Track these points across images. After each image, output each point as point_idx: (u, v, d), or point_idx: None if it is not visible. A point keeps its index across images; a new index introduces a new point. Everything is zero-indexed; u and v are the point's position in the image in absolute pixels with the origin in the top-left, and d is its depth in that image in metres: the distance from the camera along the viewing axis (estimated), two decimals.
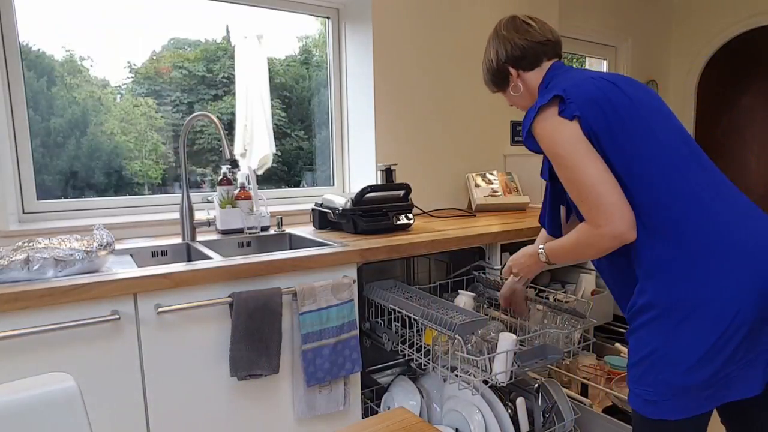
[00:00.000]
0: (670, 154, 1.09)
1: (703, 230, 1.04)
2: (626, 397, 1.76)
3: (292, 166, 2.60)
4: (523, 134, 1.22)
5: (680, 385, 1.03)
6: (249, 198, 1.95)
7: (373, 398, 1.98)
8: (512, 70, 1.31)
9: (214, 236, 1.90)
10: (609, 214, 1.07)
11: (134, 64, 2.17)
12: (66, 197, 1.99)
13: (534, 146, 1.20)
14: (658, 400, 1.06)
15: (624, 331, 2.23)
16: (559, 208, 1.35)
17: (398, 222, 1.94)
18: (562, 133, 1.11)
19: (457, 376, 1.49)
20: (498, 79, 1.36)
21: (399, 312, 1.62)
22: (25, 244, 1.32)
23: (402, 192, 1.99)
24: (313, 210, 2.06)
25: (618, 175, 1.09)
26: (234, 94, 2.30)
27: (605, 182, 1.07)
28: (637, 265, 1.12)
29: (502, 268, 1.60)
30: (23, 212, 1.87)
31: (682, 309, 1.03)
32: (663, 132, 1.11)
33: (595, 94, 1.11)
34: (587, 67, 3.90)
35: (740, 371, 1.04)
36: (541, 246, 1.34)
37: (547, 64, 1.30)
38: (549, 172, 1.26)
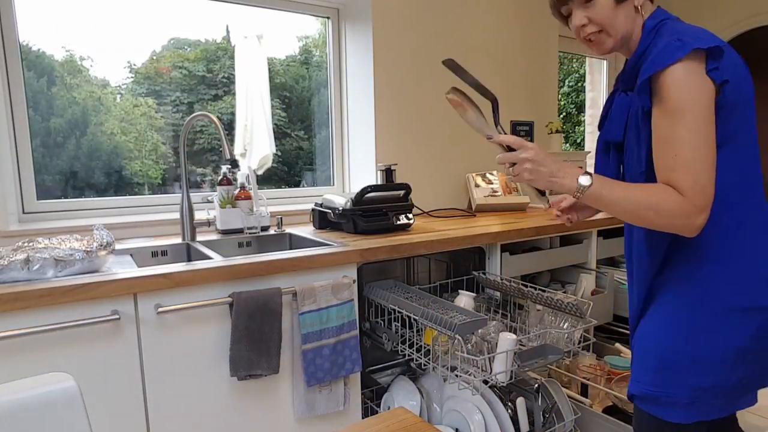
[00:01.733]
0: (755, 158, 1.03)
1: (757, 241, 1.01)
2: (626, 397, 1.77)
3: (292, 166, 2.61)
4: (640, 80, 0.99)
5: (706, 388, 1.02)
6: (249, 198, 1.95)
7: (373, 398, 1.98)
8: None
9: (214, 236, 1.90)
10: (708, 197, 0.95)
11: (134, 64, 2.17)
12: (66, 197, 1.99)
13: (646, 99, 1.00)
14: (679, 403, 1.04)
15: (624, 331, 2.23)
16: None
17: (398, 222, 1.94)
18: (699, 87, 0.94)
19: (457, 376, 1.49)
20: None
21: (399, 312, 1.62)
22: (25, 244, 1.32)
23: (402, 192, 1.99)
24: (313, 210, 2.06)
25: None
26: (234, 94, 2.30)
27: (712, 158, 0.95)
28: (690, 250, 1.04)
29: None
30: (23, 212, 1.87)
31: (716, 310, 1.01)
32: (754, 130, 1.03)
33: (740, 62, 0.98)
34: (587, 66, 3.90)
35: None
36: (590, 173, 1.03)
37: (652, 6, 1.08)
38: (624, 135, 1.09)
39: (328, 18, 2.50)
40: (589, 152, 3.04)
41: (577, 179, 1.02)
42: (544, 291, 1.69)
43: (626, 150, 1.15)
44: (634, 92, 1.05)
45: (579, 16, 1.08)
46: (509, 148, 1.11)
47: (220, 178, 1.96)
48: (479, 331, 1.54)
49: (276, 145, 2.32)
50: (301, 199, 2.46)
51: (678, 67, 0.94)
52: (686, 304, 1.05)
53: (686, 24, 1.02)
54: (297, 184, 2.61)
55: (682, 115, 0.94)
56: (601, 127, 1.23)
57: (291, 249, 1.92)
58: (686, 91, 0.94)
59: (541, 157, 1.06)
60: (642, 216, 0.99)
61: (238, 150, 2.29)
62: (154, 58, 2.23)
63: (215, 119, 1.74)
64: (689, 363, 1.02)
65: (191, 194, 1.84)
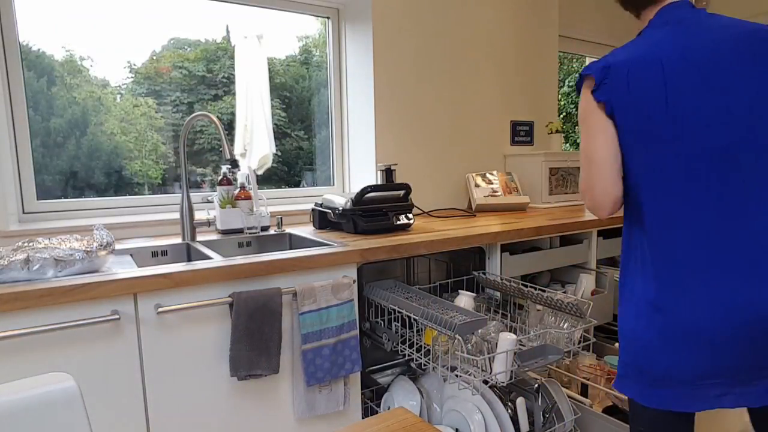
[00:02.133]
0: (687, 163, 1.04)
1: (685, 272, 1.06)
2: (626, 397, 1.77)
3: (292, 166, 2.60)
4: (577, 85, 1.21)
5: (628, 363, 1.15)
6: (249, 198, 1.95)
7: (373, 398, 1.98)
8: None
9: (214, 236, 1.90)
10: (584, 180, 1.17)
11: (134, 64, 2.17)
12: (66, 197, 1.99)
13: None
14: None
15: None
16: None
17: (398, 222, 1.94)
18: (584, 102, 1.14)
19: (457, 376, 1.49)
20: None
21: (399, 312, 1.62)
22: (25, 244, 1.32)
23: (402, 192, 1.99)
24: (313, 210, 2.06)
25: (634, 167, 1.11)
26: (234, 94, 2.30)
27: (595, 152, 1.12)
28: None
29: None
30: (23, 212, 1.87)
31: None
32: (696, 134, 1.04)
33: (634, 83, 1.07)
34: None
35: None
36: None
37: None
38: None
39: (328, 18, 2.50)
40: None
41: None
42: (544, 291, 1.69)
43: None
44: None
45: None
46: None
47: (220, 178, 1.96)
48: (479, 331, 1.54)
49: (276, 145, 2.32)
50: (301, 199, 2.46)
51: (583, 89, 1.16)
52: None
53: (638, 38, 1.17)
54: (297, 184, 2.61)
55: (580, 125, 1.17)
56: None
57: (291, 249, 1.92)
58: (580, 108, 1.16)
59: None
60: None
61: (238, 150, 2.29)
62: (154, 58, 2.23)
63: (215, 119, 1.74)
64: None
65: (191, 194, 1.84)
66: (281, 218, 2.02)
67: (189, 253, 1.81)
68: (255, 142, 2.25)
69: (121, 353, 1.27)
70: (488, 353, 1.47)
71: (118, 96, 2.17)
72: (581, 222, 2.15)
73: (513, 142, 2.93)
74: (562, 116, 6.46)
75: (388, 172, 2.25)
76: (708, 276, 1.03)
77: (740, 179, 1.03)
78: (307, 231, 1.99)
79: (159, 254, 1.77)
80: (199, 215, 1.92)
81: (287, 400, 1.53)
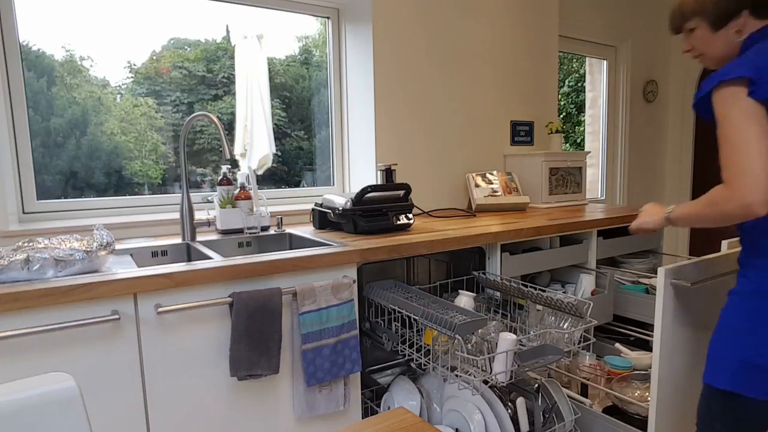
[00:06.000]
0: None
1: None
2: (626, 397, 1.77)
3: (292, 166, 2.60)
4: (697, 96, 1.14)
5: (756, 364, 1.09)
6: (249, 198, 1.95)
7: (373, 398, 1.98)
8: (744, 13, 1.17)
9: (214, 236, 1.90)
10: (749, 180, 1.04)
11: (134, 64, 2.17)
12: (66, 197, 1.99)
13: (707, 114, 1.15)
14: (731, 369, 1.12)
15: (624, 331, 2.24)
16: None
17: (398, 222, 1.94)
18: (740, 110, 1.06)
19: (457, 376, 1.49)
20: (723, 11, 1.19)
21: (399, 312, 1.62)
22: (25, 244, 1.32)
23: (402, 192, 1.99)
24: (313, 210, 2.06)
25: None
26: (234, 94, 2.30)
27: (759, 147, 1.04)
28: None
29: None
30: (23, 212, 1.87)
31: None
32: None
33: None
34: (587, 66, 3.90)
35: None
36: (671, 206, 1.29)
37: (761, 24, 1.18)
38: None
39: (328, 18, 2.50)
40: (589, 152, 3.04)
41: (664, 212, 1.33)
42: (544, 291, 1.69)
43: None
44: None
45: (685, 43, 1.29)
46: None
47: (220, 178, 1.96)
48: (479, 331, 1.54)
49: (276, 145, 2.32)
50: (301, 199, 2.46)
51: (722, 95, 1.09)
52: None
53: (759, 47, 1.13)
54: (297, 184, 2.61)
55: (722, 123, 1.09)
56: None
57: (291, 249, 1.92)
58: (723, 106, 1.08)
59: (646, 209, 1.43)
60: (706, 215, 1.15)
61: (238, 150, 2.29)
62: (154, 58, 2.23)
63: (215, 119, 1.74)
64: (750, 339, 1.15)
65: (191, 194, 1.84)
66: (281, 218, 2.02)
67: (189, 253, 1.81)
68: (255, 142, 2.25)
69: (121, 353, 1.27)
70: (488, 353, 1.47)
71: (118, 96, 2.17)
72: (581, 222, 2.15)
73: (513, 142, 2.93)
74: (562, 116, 6.46)
75: (388, 172, 2.25)
76: None
77: None
78: (307, 231, 1.99)
79: (159, 254, 1.77)
80: (199, 215, 1.92)
81: (287, 400, 1.53)
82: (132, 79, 2.18)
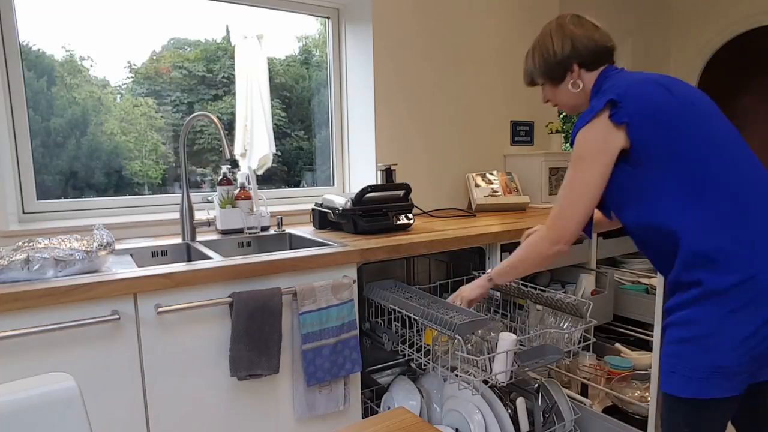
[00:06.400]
0: (725, 149, 1.13)
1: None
2: (626, 397, 1.77)
3: (292, 166, 2.60)
4: (572, 137, 1.24)
5: (724, 365, 1.06)
6: (249, 198, 1.95)
7: (373, 398, 1.98)
8: (575, 66, 1.31)
9: (214, 236, 1.90)
10: (562, 232, 1.26)
11: (134, 64, 2.17)
12: (66, 197, 1.99)
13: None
14: (694, 378, 1.08)
15: (624, 331, 2.23)
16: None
17: (398, 222, 1.94)
18: (597, 138, 1.17)
19: (457, 376, 1.49)
20: (555, 73, 1.34)
21: (399, 312, 1.62)
22: (25, 244, 1.32)
23: (402, 192, 1.99)
24: (313, 210, 2.06)
25: (675, 172, 1.12)
26: (234, 94, 2.30)
27: (583, 197, 1.21)
28: (687, 252, 1.13)
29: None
30: (23, 212, 1.87)
31: (739, 296, 1.05)
32: (716, 133, 1.15)
33: (646, 99, 1.14)
34: None
35: None
36: (490, 269, 1.48)
37: (601, 68, 1.32)
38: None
39: (328, 18, 2.50)
40: None
41: (486, 281, 1.52)
42: (544, 291, 1.69)
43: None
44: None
45: (543, 94, 1.43)
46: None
47: (220, 178, 1.96)
48: (479, 331, 1.54)
49: (276, 145, 2.32)
50: (301, 199, 2.46)
51: (590, 124, 1.19)
52: (713, 291, 1.15)
53: (613, 79, 1.25)
54: (297, 184, 2.61)
55: (577, 160, 1.22)
56: None
57: (291, 249, 1.92)
58: (583, 139, 1.20)
59: (462, 289, 1.58)
60: (525, 262, 1.37)
61: (238, 150, 2.29)
62: (154, 58, 2.23)
63: (215, 119, 1.74)
64: (710, 341, 1.12)
65: (191, 194, 1.84)
66: (281, 218, 2.02)
67: (189, 253, 1.81)
68: (255, 142, 2.25)
69: (121, 353, 1.27)
70: (488, 353, 1.47)
71: (118, 96, 2.17)
72: None
73: (513, 142, 2.93)
74: (562, 116, 6.45)
75: (388, 172, 2.25)
76: None
77: None
78: (307, 231, 1.99)
79: (159, 254, 1.77)
80: (199, 215, 1.92)
81: (287, 400, 1.53)
82: (132, 79, 2.18)
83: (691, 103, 1.16)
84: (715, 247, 1.07)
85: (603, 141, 1.17)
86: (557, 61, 1.33)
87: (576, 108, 1.37)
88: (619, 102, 1.15)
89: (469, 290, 1.55)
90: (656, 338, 1.54)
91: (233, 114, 2.31)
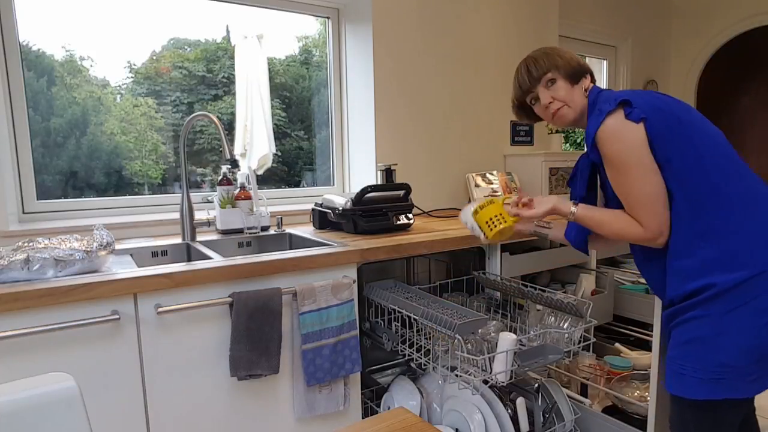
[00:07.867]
0: (728, 155, 1.17)
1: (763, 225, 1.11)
2: (625, 397, 1.77)
3: (292, 166, 2.60)
4: (588, 143, 1.24)
5: (733, 366, 1.06)
6: (249, 198, 1.95)
7: (373, 398, 1.98)
8: (588, 75, 1.37)
9: (214, 236, 1.90)
10: (655, 219, 1.17)
11: (134, 64, 2.17)
12: (66, 197, 1.99)
13: (596, 155, 1.24)
14: (705, 379, 1.09)
15: (624, 331, 2.23)
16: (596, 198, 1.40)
17: (398, 222, 1.94)
18: (626, 136, 1.16)
19: (457, 375, 1.49)
20: (576, 73, 1.35)
21: (399, 312, 1.62)
22: (25, 244, 1.32)
23: (402, 192, 1.99)
24: (313, 210, 2.06)
25: (678, 175, 1.15)
26: (234, 94, 2.30)
27: (658, 193, 1.16)
28: (686, 257, 1.16)
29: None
30: (23, 212, 1.87)
31: (742, 296, 1.07)
32: (716, 138, 1.20)
33: (655, 101, 1.18)
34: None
35: None
36: (575, 206, 1.34)
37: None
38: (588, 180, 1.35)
39: (328, 18, 2.50)
40: None
41: (569, 209, 1.35)
42: (544, 291, 1.69)
43: (605, 190, 1.38)
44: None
45: (544, 96, 1.36)
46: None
47: (220, 178, 1.96)
48: (479, 331, 1.54)
49: (276, 145, 2.32)
50: (301, 199, 2.46)
51: (605, 124, 1.18)
52: (718, 293, 1.18)
53: (607, 93, 1.30)
54: (297, 184, 2.61)
55: (621, 163, 1.18)
56: (569, 184, 1.46)
57: (291, 249, 1.92)
58: (614, 138, 1.18)
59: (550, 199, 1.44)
60: (612, 232, 1.26)
61: (238, 150, 2.29)
62: (154, 58, 2.23)
63: (215, 119, 1.74)
64: (717, 342, 1.14)
65: (191, 194, 1.84)
66: (281, 218, 2.02)
67: (189, 253, 1.81)
68: (255, 142, 2.25)
69: (121, 353, 1.27)
70: (488, 353, 1.47)
71: (118, 96, 2.17)
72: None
73: (513, 142, 2.92)
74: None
75: (388, 172, 2.25)
76: None
77: None
78: (307, 231, 1.99)
79: (159, 254, 1.77)
80: (199, 215, 1.92)
81: (287, 400, 1.53)
82: (132, 79, 2.18)
83: (687, 109, 1.22)
84: (724, 248, 1.10)
85: (629, 134, 1.16)
86: (580, 63, 1.37)
87: (578, 117, 1.36)
88: (632, 101, 1.17)
89: (559, 204, 1.39)
90: (656, 338, 1.54)
91: (233, 114, 2.31)
